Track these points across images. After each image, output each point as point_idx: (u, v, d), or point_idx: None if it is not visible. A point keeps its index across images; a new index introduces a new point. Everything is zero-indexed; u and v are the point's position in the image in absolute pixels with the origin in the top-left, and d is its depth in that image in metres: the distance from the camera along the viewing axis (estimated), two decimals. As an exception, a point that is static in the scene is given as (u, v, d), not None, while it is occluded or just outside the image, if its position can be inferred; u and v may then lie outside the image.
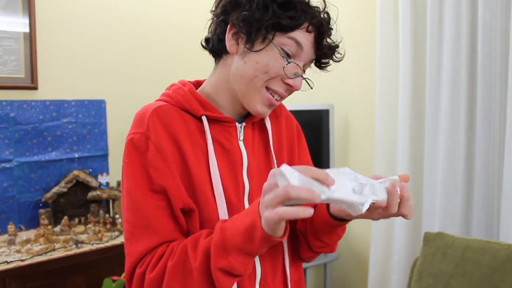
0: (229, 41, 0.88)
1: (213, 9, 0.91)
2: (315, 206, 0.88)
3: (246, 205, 0.90)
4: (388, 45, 2.14)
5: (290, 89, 0.89)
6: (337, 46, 0.90)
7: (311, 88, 0.94)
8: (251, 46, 0.85)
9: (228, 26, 0.87)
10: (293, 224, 0.99)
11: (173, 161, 0.84)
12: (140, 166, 0.82)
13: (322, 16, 0.87)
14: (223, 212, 0.85)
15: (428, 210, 2.02)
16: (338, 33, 0.91)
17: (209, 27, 0.93)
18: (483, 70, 1.80)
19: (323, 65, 0.92)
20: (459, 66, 1.88)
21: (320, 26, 0.86)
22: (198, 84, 0.99)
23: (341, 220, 0.88)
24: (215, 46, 0.92)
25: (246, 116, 0.96)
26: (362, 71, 2.35)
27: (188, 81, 0.96)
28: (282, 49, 0.84)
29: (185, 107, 0.88)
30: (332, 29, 0.90)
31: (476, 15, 1.82)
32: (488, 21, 1.78)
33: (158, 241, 0.81)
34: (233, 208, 0.87)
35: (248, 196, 0.91)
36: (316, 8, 0.86)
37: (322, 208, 0.90)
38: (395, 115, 2.14)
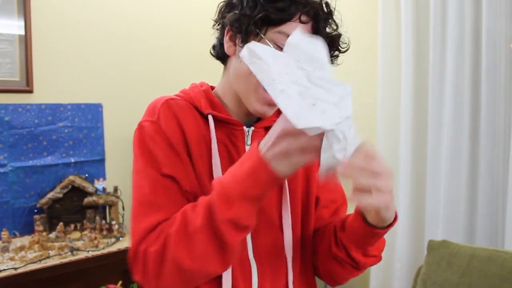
0: (226, 44, 0.87)
1: (215, 16, 0.90)
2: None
3: None
4: (390, 49, 2.11)
5: None
6: (339, 35, 0.85)
7: None
8: (245, 43, 0.81)
9: (225, 30, 0.86)
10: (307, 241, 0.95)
11: (182, 150, 0.84)
12: (150, 150, 0.83)
13: (318, 2, 0.82)
14: None
15: (431, 217, 1.98)
16: (340, 19, 0.86)
17: (216, 34, 0.93)
18: (487, 74, 1.77)
19: (331, 55, 0.86)
20: (462, 70, 1.85)
21: (316, 15, 0.81)
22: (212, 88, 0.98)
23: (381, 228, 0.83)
24: (219, 52, 0.92)
25: (257, 120, 0.93)
26: (363, 76, 2.32)
27: (209, 85, 0.96)
28: (275, 44, 0.80)
29: (194, 104, 0.88)
30: (331, 16, 0.84)
31: (480, 18, 1.79)
32: (492, 24, 1.75)
33: (162, 218, 0.78)
34: None
35: None
36: None
37: (359, 224, 0.84)
38: (397, 120, 2.11)
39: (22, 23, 2.12)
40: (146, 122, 0.85)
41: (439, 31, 1.91)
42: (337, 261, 0.90)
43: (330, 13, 0.84)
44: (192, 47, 2.62)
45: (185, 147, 0.84)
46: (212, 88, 0.96)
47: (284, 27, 0.80)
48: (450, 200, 1.89)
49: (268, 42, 0.80)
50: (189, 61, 2.63)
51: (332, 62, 0.87)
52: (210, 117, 0.87)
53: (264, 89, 0.79)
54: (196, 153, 0.85)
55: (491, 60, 1.77)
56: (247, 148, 0.89)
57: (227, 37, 0.86)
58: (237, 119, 0.89)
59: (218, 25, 0.90)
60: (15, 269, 1.68)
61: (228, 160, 0.87)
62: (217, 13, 0.89)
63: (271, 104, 0.83)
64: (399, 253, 2.10)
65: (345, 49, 0.87)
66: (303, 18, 0.80)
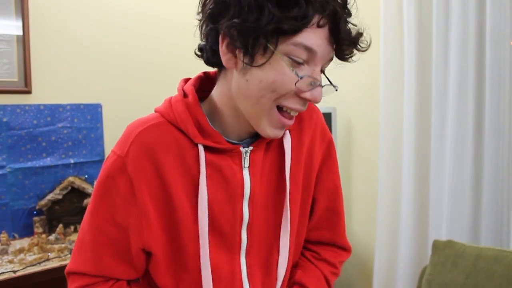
0: (224, 55, 0.72)
1: (199, 10, 0.75)
2: None
3: (244, 236, 0.83)
4: (392, 46, 2.08)
5: (307, 103, 0.74)
6: (360, 34, 0.73)
7: (336, 90, 0.76)
8: (251, 60, 0.69)
9: (220, 37, 0.71)
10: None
11: (150, 194, 0.76)
12: (107, 192, 0.77)
13: (337, 0, 0.69)
14: (205, 246, 0.78)
15: (435, 216, 1.95)
16: (356, 11, 0.74)
17: (200, 32, 0.77)
18: (491, 72, 1.75)
19: (346, 57, 0.75)
20: (466, 68, 1.82)
21: (335, 14, 0.68)
22: (208, 80, 0.85)
23: None
24: (210, 59, 0.78)
25: (255, 137, 0.83)
26: (365, 73, 2.29)
27: (194, 83, 0.82)
28: (290, 58, 0.68)
29: (180, 127, 0.77)
30: (349, 12, 0.72)
31: (484, 15, 1.76)
32: (497, 21, 1.72)
33: (95, 272, 0.80)
34: (226, 238, 0.81)
35: (247, 227, 0.83)
36: None
37: None
38: (400, 118, 2.08)
39: (20, 23, 2.10)
40: (114, 155, 0.77)
41: (443, 28, 1.88)
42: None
43: (348, 12, 0.73)
44: (194, 46, 2.59)
45: (159, 188, 0.76)
46: (202, 80, 0.84)
47: (300, 37, 0.67)
48: (454, 199, 1.87)
49: (282, 59, 0.68)
50: (190, 61, 2.60)
51: (347, 60, 0.76)
52: (200, 148, 0.77)
53: (279, 112, 0.73)
54: (178, 190, 0.77)
55: (496, 57, 1.74)
56: (244, 171, 0.80)
57: (224, 47, 0.72)
58: (233, 140, 0.81)
59: (206, 26, 0.74)
60: (14, 272, 1.66)
61: (223, 185, 0.79)
62: (205, 11, 0.73)
63: (286, 125, 0.76)
64: (402, 253, 2.07)
65: (365, 48, 0.75)
66: (321, 22, 0.68)
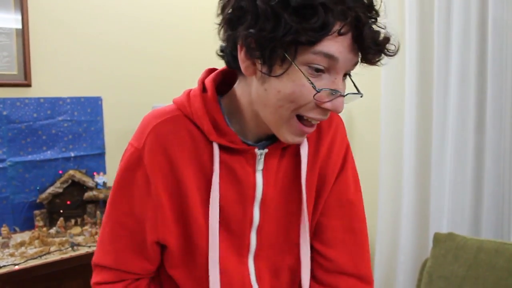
0: (243, 63, 0.70)
1: (218, 12, 0.71)
2: None
3: (253, 239, 0.82)
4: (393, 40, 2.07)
5: (328, 112, 0.71)
6: (387, 40, 0.67)
7: (361, 96, 0.73)
8: (269, 71, 0.66)
9: (238, 45, 0.69)
10: None
11: (164, 188, 0.76)
12: (125, 185, 0.79)
13: (360, 4, 0.63)
14: (213, 244, 0.77)
15: (436, 209, 1.96)
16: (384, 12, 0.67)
17: (218, 35, 0.74)
18: (493, 66, 1.74)
19: (373, 62, 0.70)
20: (468, 61, 1.81)
21: (358, 21, 0.63)
22: (232, 74, 0.80)
23: None
24: (231, 64, 0.75)
25: (272, 139, 0.81)
26: (366, 69, 2.28)
27: (215, 77, 0.79)
28: (309, 67, 0.65)
29: (195, 122, 0.76)
30: (376, 13, 0.67)
31: (486, 7, 1.75)
32: (499, 14, 1.71)
33: (115, 265, 0.82)
34: (235, 238, 0.81)
35: (257, 230, 0.82)
36: None
37: None
38: (402, 112, 2.08)
39: (19, 16, 2.09)
40: (132, 147, 0.78)
41: (444, 22, 1.87)
42: None
43: (375, 15, 0.67)
44: (195, 40, 2.58)
45: (173, 183, 0.76)
46: (223, 74, 0.81)
47: (320, 46, 0.63)
48: (455, 192, 1.87)
49: (301, 69, 0.65)
50: (191, 54, 2.60)
51: (374, 64, 0.71)
52: (215, 145, 0.76)
53: (298, 120, 0.70)
54: (191, 186, 0.76)
55: (497, 50, 1.73)
56: (257, 174, 0.79)
57: (242, 55, 0.69)
58: (249, 140, 0.79)
59: (225, 31, 0.71)
60: (15, 265, 1.66)
61: (235, 186, 0.78)
62: (224, 17, 0.70)
63: (306, 132, 0.73)
64: (403, 246, 2.08)
65: (394, 53, 0.70)
66: (343, 30, 0.63)
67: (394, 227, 2.15)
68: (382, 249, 2.19)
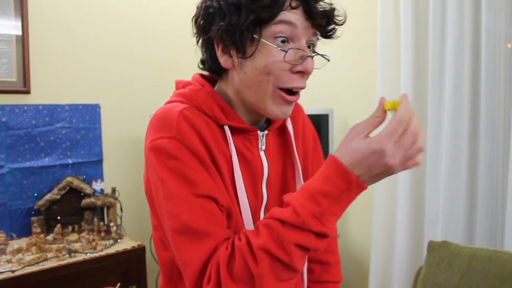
0: (221, 58, 0.81)
1: (194, 30, 0.85)
2: None
3: (262, 216, 0.88)
4: (389, 48, 2.10)
5: (303, 75, 0.80)
6: (332, 10, 0.80)
7: (328, 60, 0.82)
8: (243, 53, 0.78)
9: (215, 43, 0.81)
10: None
11: (211, 162, 0.79)
12: (177, 171, 0.74)
13: None
14: (248, 222, 0.82)
15: (430, 217, 1.97)
16: None
17: (201, 49, 0.87)
18: (486, 75, 1.76)
19: (328, 34, 0.82)
20: (462, 70, 1.84)
21: None
22: (212, 80, 0.91)
23: None
24: (212, 67, 0.86)
25: (266, 122, 0.92)
26: (362, 75, 2.31)
27: (203, 78, 0.89)
28: (275, 38, 0.76)
29: (206, 112, 0.82)
30: None
31: (479, 18, 1.78)
32: (492, 24, 1.74)
33: (214, 244, 0.73)
34: (252, 218, 0.85)
35: (265, 208, 0.88)
36: None
37: None
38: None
39: (19, 23, 2.11)
40: (163, 139, 0.75)
41: (439, 31, 1.90)
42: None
43: None
44: (194, 47, 2.61)
45: (210, 160, 0.79)
46: (210, 80, 0.90)
47: (278, 17, 0.75)
48: (450, 200, 1.88)
49: (267, 42, 0.76)
50: (190, 62, 2.62)
51: (331, 37, 0.83)
52: (226, 128, 0.83)
53: (280, 90, 0.79)
54: (220, 165, 0.80)
55: (491, 60, 1.76)
56: (261, 153, 0.88)
57: (220, 51, 0.81)
58: (250, 125, 0.86)
59: (201, 39, 0.85)
60: (13, 271, 1.67)
61: (247, 168, 0.85)
62: (195, 29, 0.84)
63: (289, 101, 0.81)
64: (398, 254, 2.09)
65: (342, 21, 0.82)
66: (293, 3, 0.75)
67: (389, 235, 2.16)
68: (377, 257, 2.20)
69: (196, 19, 0.84)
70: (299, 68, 0.77)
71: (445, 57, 1.88)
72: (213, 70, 0.87)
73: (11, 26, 2.10)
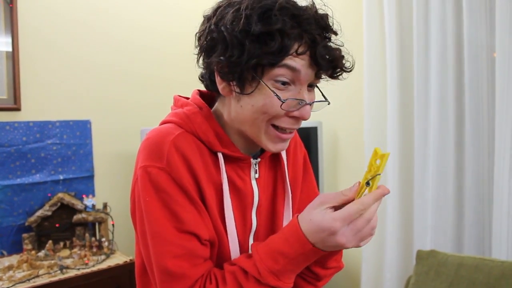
0: (220, 84, 0.79)
1: (196, 44, 0.82)
2: None
3: (251, 242, 0.88)
4: (375, 61, 2.15)
5: (299, 120, 0.79)
6: (342, 57, 0.76)
7: (328, 103, 0.82)
8: (242, 90, 0.76)
9: (214, 70, 0.78)
10: None
11: (197, 196, 0.78)
12: (163, 205, 0.76)
13: (315, 27, 0.73)
14: (234, 250, 0.83)
15: (419, 227, 2.00)
16: (340, 31, 0.77)
17: (197, 62, 0.84)
18: (470, 86, 1.81)
19: (334, 75, 0.79)
20: (446, 83, 1.89)
21: (313, 41, 0.72)
22: (211, 99, 0.89)
23: None
24: (210, 87, 0.85)
25: (260, 148, 0.89)
26: (349, 87, 2.35)
27: (202, 97, 0.87)
28: (276, 82, 0.73)
29: (201, 138, 0.81)
30: (333, 32, 0.76)
31: (461, 31, 1.84)
32: (474, 36, 1.80)
33: (188, 285, 0.76)
34: (239, 246, 0.85)
35: (254, 234, 0.89)
36: (303, 16, 0.72)
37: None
38: (384, 131, 2.14)
39: (9, 39, 2.12)
40: (153, 168, 0.76)
41: (423, 44, 1.95)
42: (298, 275, 0.88)
43: (329, 36, 0.76)
44: (183, 64, 2.64)
45: (198, 193, 0.79)
46: (207, 98, 0.89)
47: (283, 61, 0.72)
48: (438, 210, 1.92)
49: (267, 85, 0.74)
50: (179, 78, 2.65)
51: (337, 78, 0.81)
52: (220, 155, 0.82)
53: (274, 127, 0.79)
54: (207, 196, 0.79)
55: (474, 71, 1.81)
56: (253, 182, 0.87)
57: (219, 78, 0.78)
58: (244, 153, 0.85)
59: (202, 59, 0.82)
60: (4, 289, 1.66)
61: (237, 196, 0.84)
62: (198, 47, 0.81)
63: (284, 139, 0.81)
64: (389, 264, 2.11)
65: (350, 69, 0.79)
66: (300, 50, 0.72)
67: (380, 245, 2.18)
68: (368, 267, 2.22)
69: (199, 37, 0.81)
70: (295, 114, 0.77)
71: (429, 70, 1.93)
72: (210, 90, 0.86)
73: (1, 43, 2.11)
